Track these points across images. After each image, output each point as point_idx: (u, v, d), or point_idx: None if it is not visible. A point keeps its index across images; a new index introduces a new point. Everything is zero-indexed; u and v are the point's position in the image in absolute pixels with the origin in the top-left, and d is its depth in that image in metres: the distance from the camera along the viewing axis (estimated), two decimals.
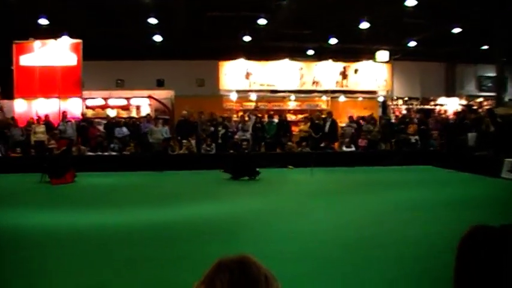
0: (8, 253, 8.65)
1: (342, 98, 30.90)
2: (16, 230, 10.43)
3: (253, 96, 30.44)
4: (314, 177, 19.63)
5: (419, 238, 9.39)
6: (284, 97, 30.88)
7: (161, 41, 28.46)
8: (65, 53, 26.16)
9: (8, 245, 9.23)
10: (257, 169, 19.33)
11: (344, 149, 24.54)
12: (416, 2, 21.25)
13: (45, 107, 25.83)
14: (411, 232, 9.87)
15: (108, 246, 9.10)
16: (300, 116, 29.50)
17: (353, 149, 24.51)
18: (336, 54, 30.42)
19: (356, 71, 31.02)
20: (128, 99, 29.03)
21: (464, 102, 31.85)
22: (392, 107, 31.96)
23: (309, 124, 25.20)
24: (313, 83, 30.59)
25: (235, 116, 27.87)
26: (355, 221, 11.10)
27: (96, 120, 26.28)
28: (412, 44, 29.15)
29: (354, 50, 30.71)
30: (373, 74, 31.32)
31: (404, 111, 31.15)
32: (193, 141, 24.02)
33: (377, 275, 7.23)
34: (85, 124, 25.07)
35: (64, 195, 16.36)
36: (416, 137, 25.29)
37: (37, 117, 24.61)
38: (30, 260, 8.23)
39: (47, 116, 24.63)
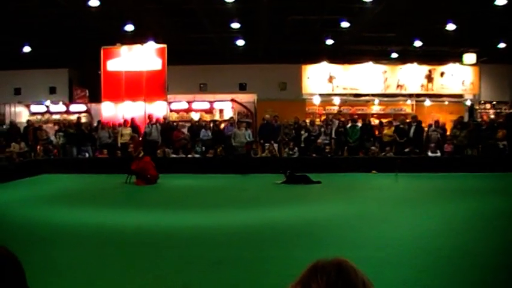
0: (94, 249, 8.94)
1: (427, 102, 30.21)
2: (98, 229, 10.77)
3: (336, 100, 30.18)
4: (399, 183, 19.30)
5: (506, 247, 9.07)
6: (368, 101, 30.50)
7: (244, 45, 28.77)
8: (150, 57, 26.87)
9: (93, 242, 9.52)
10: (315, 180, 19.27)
11: (429, 154, 23.96)
12: (506, 1, 20.46)
13: (131, 110, 26.59)
14: (498, 241, 9.54)
15: (193, 247, 9.24)
16: (384, 120, 29.07)
17: (438, 154, 23.90)
18: (421, 57, 29.86)
19: (442, 74, 30.24)
20: (211, 102, 29.40)
21: None
22: (479, 111, 31.01)
23: (393, 128, 24.72)
24: (398, 86, 30.06)
25: (318, 120, 27.68)
26: (440, 228, 10.81)
27: (181, 123, 26.74)
28: (502, 45, 28.20)
29: (440, 52, 30.09)
30: (460, 77, 30.44)
31: (492, 116, 30.13)
32: (275, 145, 24.10)
33: (464, 283, 7.03)
34: (169, 122, 25.78)
35: (148, 196, 16.84)
36: (505, 142, 24.35)
37: (123, 120, 25.33)
38: (112, 257, 8.50)
39: (133, 119, 25.33)
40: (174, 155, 24.08)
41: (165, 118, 26.03)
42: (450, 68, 30.31)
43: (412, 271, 7.52)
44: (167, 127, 25.12)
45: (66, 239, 9.88)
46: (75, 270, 7.65)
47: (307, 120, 26.21)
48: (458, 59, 29.97)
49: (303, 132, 24.70)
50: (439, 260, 8.16)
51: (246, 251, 8.90)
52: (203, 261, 8.18)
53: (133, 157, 20.16)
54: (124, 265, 8.01)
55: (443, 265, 7.89)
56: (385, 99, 30.41)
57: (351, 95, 30.27)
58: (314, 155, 23.88)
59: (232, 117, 26.83)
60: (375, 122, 28.35)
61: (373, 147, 24.17)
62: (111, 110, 26.98)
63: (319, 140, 24.19)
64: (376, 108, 30.75)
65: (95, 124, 26.64)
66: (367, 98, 30.37)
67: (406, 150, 23.77)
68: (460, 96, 30.86)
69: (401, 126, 24.70)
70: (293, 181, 19.14)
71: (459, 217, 12.20)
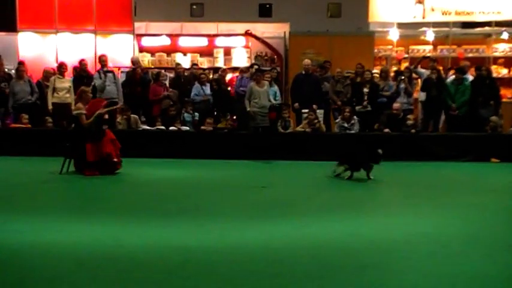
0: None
1: None
2: (28, 248, 10.94)
3: (429, 35, 30.09)
4: None
5: None
6: (487, 35, 30.41)
7: None
8: None
9: (17, 268, 9.94)
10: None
11: None
12: None
13: (71, 47, 26.84)
14: None
15: (175, 281, 9.12)
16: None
17: None
18: None
19: None
20: (210, 37, 29.64)
21: None
22: None
23: None
24: None
25: (394, 68, 27.71)
26: None
27: (162, 72, 26.37)
28: None
29: None
30: None
31: None
32: (320, 112, 24.32)
33: None
34: (139, 69, 25.53)
35: (104, 195, 16.98)
36: None
37: (58, 64, 25.01)
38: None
39: (82, 62, 25.05)
40: (147, 127, 24.21)
41: (133, 63, 25.89)
42: None
43: None
44: (137, 78, 25.11)
45: None
46: None
47: (376, 70, 26.34)
48: None
49: (366, 90, 24.92)
50: None
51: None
52: None
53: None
54: None
55: None
56: None
57: (456, 24, 30.31)
58: (387, 130, 23.93)
59: (254, 64, 26.91)
60: (498, 71, 28.25)
61: (494, 118, 24.18)
62: (34, 46, 27.21)
63: (395, 105, 24.17)
64: (503, 47, 30.46)
65: (7, 68, 26.20)
66: (486, 29, 30.32)
67: None
68: None
69: None
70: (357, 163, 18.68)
71: None
